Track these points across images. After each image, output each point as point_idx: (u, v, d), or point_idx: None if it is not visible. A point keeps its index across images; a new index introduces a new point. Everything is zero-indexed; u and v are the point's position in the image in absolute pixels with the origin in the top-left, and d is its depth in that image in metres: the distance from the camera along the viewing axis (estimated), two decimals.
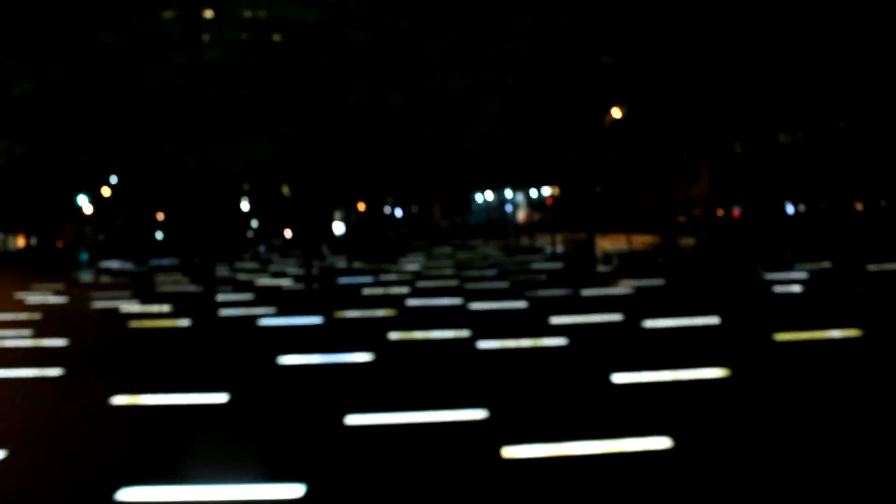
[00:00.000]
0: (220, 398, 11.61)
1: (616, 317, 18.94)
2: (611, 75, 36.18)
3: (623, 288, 25.95)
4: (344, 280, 33.64)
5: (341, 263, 45.89)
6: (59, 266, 52.63)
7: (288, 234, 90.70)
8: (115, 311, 24.18)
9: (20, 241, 67.59)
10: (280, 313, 22.05)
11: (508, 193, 70.63)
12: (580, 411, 10.15)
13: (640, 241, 51.26)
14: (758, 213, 57.76)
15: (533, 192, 74.20)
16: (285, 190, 73.16)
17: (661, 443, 8.58)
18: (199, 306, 21.98)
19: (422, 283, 30.28)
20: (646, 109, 36.73)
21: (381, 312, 21.45)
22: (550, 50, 32.60)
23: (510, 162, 44.05)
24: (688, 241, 45.94)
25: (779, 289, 23.54)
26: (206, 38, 27.05)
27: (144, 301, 26.79)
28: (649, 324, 17.60)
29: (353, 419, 10.08)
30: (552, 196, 71.10)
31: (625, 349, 14.58)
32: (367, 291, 27.89)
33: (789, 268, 30.21)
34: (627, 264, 35.25)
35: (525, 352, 14.69)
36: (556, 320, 18.74)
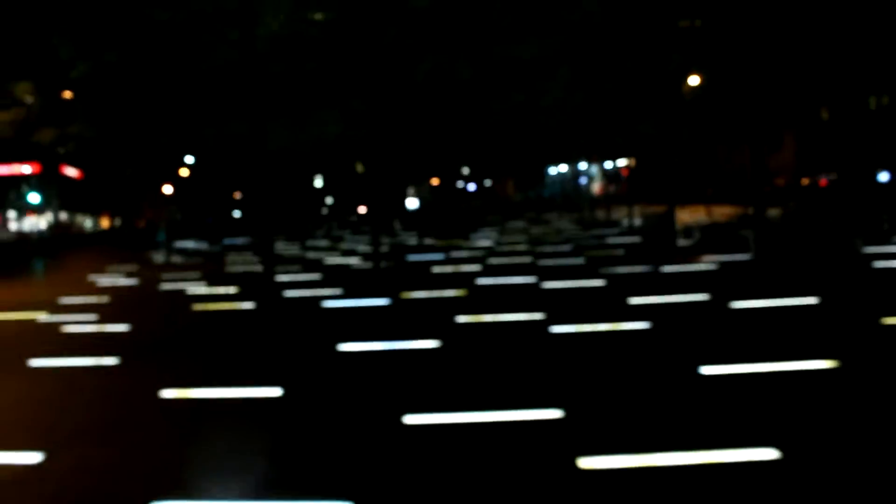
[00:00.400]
0: (274, 392, 10.85)
1: (701, 297, 17.60)
2: (689, 39, 34.32)
3: (707, 264, 24.46)
4: (413, 257, 32.83)
5: (412, 240, 45.17)
6: (137, 246, 53.33)
7: (362, 210, 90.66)
8: (181, 293, 23.86)
9: (105, 223, 68.94)
10: (346, 294, 21.33)
11: (583, 165, 68.76)
12: (665, 410, 9.02)
13: (721, 212, 49.16)
14: (849, 181, 54.84)
15: (608, 164, 72.05)
16: (359, 167, 72.81)
17: (765, 454, 7.41)
18: (264, 288, 21.44)
19: (494, 260, 29.25)
20: (727, 75, 34.77)
21: (450, 293, 20.54)
22: (626, 13, 30.95)
23: (584, 134, 42.53)
24: (773, 212, 43.73)
25: (880, 264, 21.76)
26: (265, 15, 26.36)
27: (212, 283, 26.45)
28: (738, 304, 16.24)
29: (411, 418, 9.17)
30: (627, 167, 68.94)
31: (713, 334, 13.33)
32: (436, 270, 27.00)
33: (888, 240, 28.17)
34: (710, 238, 33.54)
35: (603, 337, 13.57)
36: (635, 300, 17.52)
